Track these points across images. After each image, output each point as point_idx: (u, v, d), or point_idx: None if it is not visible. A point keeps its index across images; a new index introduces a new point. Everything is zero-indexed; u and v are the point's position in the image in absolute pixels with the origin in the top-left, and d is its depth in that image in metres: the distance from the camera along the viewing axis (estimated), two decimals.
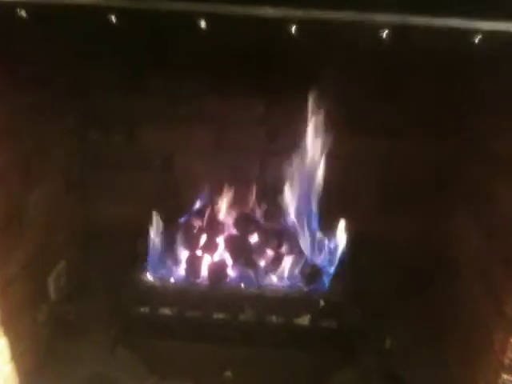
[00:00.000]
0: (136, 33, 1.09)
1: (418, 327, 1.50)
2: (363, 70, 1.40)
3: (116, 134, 1.60)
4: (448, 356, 1.42)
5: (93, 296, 1.56)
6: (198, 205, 1.49)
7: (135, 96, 1.52)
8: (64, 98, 1.47)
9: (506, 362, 1.07)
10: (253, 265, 1.31)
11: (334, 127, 1.35)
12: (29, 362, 1.30)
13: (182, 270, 1.32)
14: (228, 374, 1.29)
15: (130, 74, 1.47)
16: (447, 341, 1.45)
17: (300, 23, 0.84)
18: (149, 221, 1.33)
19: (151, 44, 1.38)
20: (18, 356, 1.23)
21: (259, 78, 1.47)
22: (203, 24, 0.84)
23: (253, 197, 1.50)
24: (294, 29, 0.85)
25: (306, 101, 1.43)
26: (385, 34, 0.86)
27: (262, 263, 1.33)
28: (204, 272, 1.30)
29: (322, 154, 1.36)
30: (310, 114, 1.37)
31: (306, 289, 1.28)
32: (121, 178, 1.65)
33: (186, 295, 1.27)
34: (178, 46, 1.36)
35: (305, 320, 1.26)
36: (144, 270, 1.31)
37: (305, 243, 1.36)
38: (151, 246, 1.32)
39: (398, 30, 0.84)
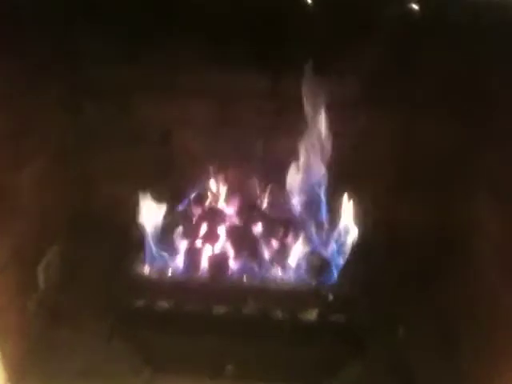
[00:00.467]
0: None
1: (432, 322, 1.43)
2: (381, 42, 1.27)
3: (110, 107, 1.49)
4: (463, 353, 1.33)
5: (86, 285, 1.49)
6: (198, 187, 1.40)
7: (130, 66, 1.40)
8: (54, 68, 1.37)
9: None
10: (256, 255, 1.23)
11: (346, 103, 1.24)
12: (18, 353, 1.25)
13: (180, 260, 1.24)
14: (230, 367, 1.24)
15: (125, 41, 1.34)
16: (462, 337, 1.36)
17: None
18: (145, 205, 1.24)
19: (148, 7, 1.26)
20: (6, 347, 1.17)
21: (267, 48, 1.35)
22: None
23: (257, 180, 1.41)
24: None
25: (316, 74, 1.31)
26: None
27: (267, 254, 1.25)
28: (204, 263, 1.22)
29: (332, 134, 1.26)
30: (320, 89, 1.26)
31: (313, 282, 1.20)
32: (116, 156, 1.56)
33: (185, 287, 1.20)
34: (177, 11, 1.26)
35: (312, 314, 1.19)
36: (140, 258, 1.24)
37: (312, 232, 1.27)
38: (148, 233, 1.23)
39: None
